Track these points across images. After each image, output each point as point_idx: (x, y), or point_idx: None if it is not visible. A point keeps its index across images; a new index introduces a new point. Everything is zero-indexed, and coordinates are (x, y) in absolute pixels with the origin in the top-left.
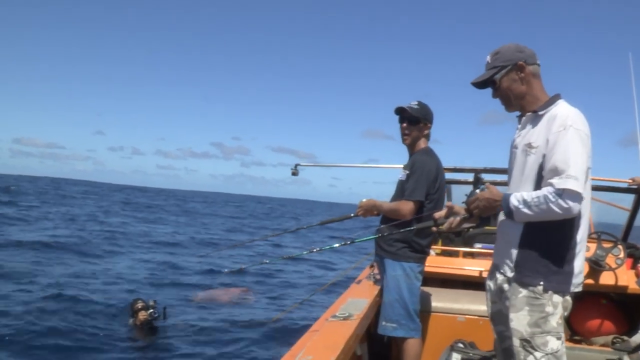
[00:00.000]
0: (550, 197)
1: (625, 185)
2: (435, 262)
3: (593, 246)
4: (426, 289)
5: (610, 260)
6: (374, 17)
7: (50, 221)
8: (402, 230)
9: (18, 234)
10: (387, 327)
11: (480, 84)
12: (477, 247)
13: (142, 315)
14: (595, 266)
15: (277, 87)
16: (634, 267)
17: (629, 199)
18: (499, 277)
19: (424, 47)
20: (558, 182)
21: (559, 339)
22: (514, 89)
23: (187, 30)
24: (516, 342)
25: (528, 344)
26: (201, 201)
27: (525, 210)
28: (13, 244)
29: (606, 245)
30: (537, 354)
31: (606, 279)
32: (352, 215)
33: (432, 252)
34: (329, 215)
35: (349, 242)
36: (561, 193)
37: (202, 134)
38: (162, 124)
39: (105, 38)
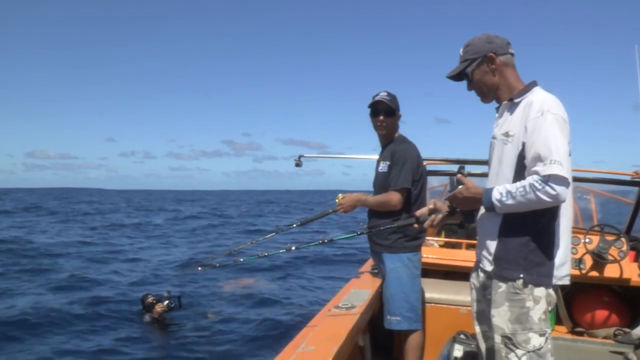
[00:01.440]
0: (537, 185)
1: (628, 178)
2: (438, 254)
3: (596, 239)
4: (428, 280)
5: (613, 253)
6: (382, 8)
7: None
8: (382, 228)
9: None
10: (392, 321)
11: (455, 77)
12: None
13: (160, 307)
14: (598, 259)
15: (282, 80)
16: (636, 259)
17: (633, 192)
18: (481, 273)
19: (432, 34)
20: (543, 169)
21: (542, 335)
22: (485, 80)
23: (190, 29)
24: (497, 339)
25: (510, 341)
26: (233, 201)
27: (510, 202)
28: None
29: (609, 237)
30: (519, 352)
31: (609, 271)
32: (331, 211)
33: (435, 244)
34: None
35: (327, 241)
36: (547, 180)
37: (212, 133)
38: (172, 126)
39: (109, 43)
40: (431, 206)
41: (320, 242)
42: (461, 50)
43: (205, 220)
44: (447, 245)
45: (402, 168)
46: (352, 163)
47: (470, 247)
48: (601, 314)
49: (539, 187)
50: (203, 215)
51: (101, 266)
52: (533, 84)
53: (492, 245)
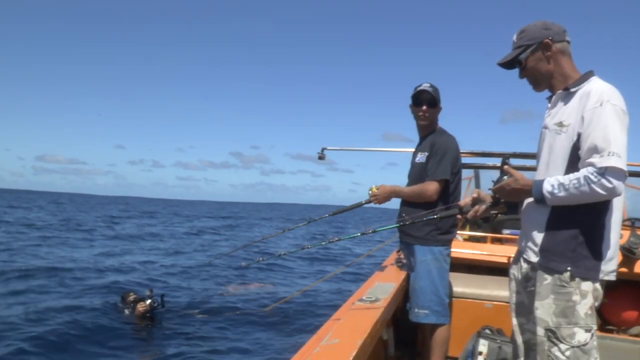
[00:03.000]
0: (592, 177)
1: None
2: (463, 248)
3: (626, 233)
4: (453, 274)
5: None
6: (389, 23)
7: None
8: (424, 219)
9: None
10: (420, 314)
11: (506, 64)
12: (506, 233)
13: (142, 306)
14: (629, 254)
15: (294, 95)
16: None
17: None
18: (524, 264)
19: (442, 50)
20: (599, 161)
21: (587, 331)
22: (540, 68)
23: (204, 37)
24: (540, 331)
25: (553, 334)
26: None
27: (562, 194)
28: None
29: None
30: (562, 346)
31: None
32: (364, 202)
33: (459, 238)
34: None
35: (370, 232)
36: (603, 172)
37: (221, 144)
38: (182, 136)
39: (122, 52)
40: (475, 195)
41: (362, 233)
42: (515, 37)
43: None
44: (471, 238)
45: (442, 159)
46: (359, 180)
47: (495, 240)
48: (633, 311)
49: (595, 179)
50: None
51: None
52: (590, 74)
53: (539, 236)
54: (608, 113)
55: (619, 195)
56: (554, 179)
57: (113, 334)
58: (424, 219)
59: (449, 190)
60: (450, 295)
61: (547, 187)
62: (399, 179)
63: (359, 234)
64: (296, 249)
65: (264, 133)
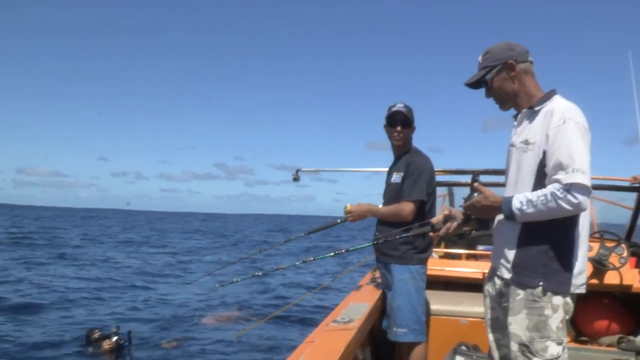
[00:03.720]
0: (558, 193)
1: (627, 184)
2: (438, 265)
3: (596, 245)
4: (429, 292)
5: (613, 260)
6: (373, 31)
7: None
8: (398, 237)
9: None
10: (398, 333)
11: (473, 85)
12: (480, 249)
13: (107, 344)
14: (599, 266)
15: (277, 105)
16: (637, 265)
17: (632, 198)
18: (497, 281)
19: (422, 58)
20: (565, 177)
21: (559, 344)
22: (505, 87)
23: (185, 46)
24: (514, 346)
25: (527, 349)
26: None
27: (531, 211)
28: None
29: (609, 244)
30: None
31: (610, 278)
32: (339, 221)
33: (434, 255)
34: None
35: (344, 251)
36: (569, 188)
37: (204, 156)
38: (164, 148)
39: (104, 61)
40: (446, 212)
41: (335, 253)
42: (480, 58)
43: None
44: (447, 256)
45: (418, 179)
46: (344, 190)
47: (470, 257)
48: (604, 321)
49: (561, 195)
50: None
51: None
52: (553, 92)
53: (511, 253)
54: (571, 130)
55: (584, 210)
56: (522, 196)
57: None
58: (397, 237)
59: (424, 211)
60: (427, 313)
61: (515, 204)
62: (382, 189)
63: (331, 254)
64: (271, 269)
65: (247, 144)
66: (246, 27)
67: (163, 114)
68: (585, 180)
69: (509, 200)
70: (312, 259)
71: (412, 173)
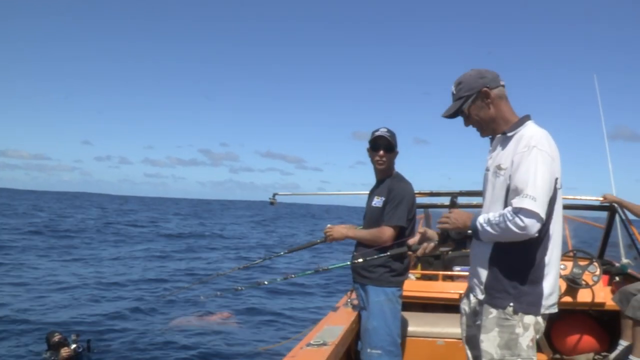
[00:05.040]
0: (508, 215)
1: (597, 203)
2: (415, 287)
3: (569, 264)
4: (405, 313)
5: (587, 278)
6: (361, 19)
7: None
8: (376, 257)
9: None
10: (373, 355)
11: (451, 116)
12: (457, 270)
13: (66, 351)
14: (572, 284)
15: (263, 92)
16: (610, 283)
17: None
18: (472, 299)
19: (414, 49)
20: (516, 201)
21: None
22: (482, 115)
23: (172, 32)
24: None
25: None
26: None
27: (488, 229)
28: None
29: (582, 262)
30: None
31: (584, 296)
32: (319, 241)
33: (411, 277)
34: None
35: (322, 270)
36: (518, 212)
37: (190, 141)
38: (150, 132)
39: (91, 45)
40: (421, 230)
41: (316, 270)
42: (453, 88)
43: None
44: (423, 277)
45: (399, 205)
46: (328, 179)
47: (446, 278)
48: (579, 339)
49: (510, 217)
50: None
51: None
52: (526, 118)
53: (483, 274)
54: (532, 157)
55: (531, 235)
56: (485, 215)
57: None
58: (375, 257)
59: (404, 236)
60: (404, 334)
61: (479, 221)
62: (368, 177)
63: (312, 272)
64: (251, 284)
65: (233, 130)
66: (234, 13)
67: (149, 100)
68: (534, 206)
69: (475, 218)
70: (293, 275)
71: (393, 199)
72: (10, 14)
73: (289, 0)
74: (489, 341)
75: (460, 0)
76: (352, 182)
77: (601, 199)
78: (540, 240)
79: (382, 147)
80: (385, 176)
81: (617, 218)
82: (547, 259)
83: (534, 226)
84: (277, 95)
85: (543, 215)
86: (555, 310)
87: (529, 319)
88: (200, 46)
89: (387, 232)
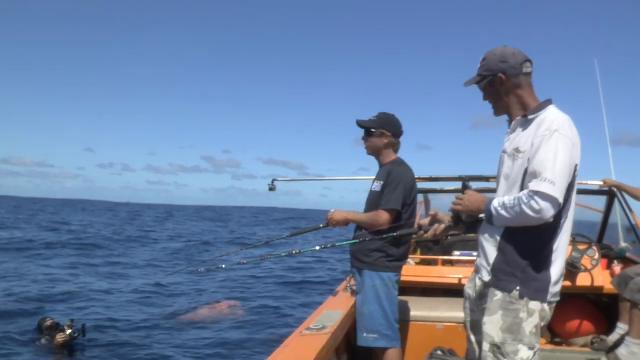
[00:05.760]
0: (524, 198)
1: (597, 188)
2: (415, 272)
3: (569, 248)
4: (404, 298)
5: (586, 262)
6: (364, 25)
7: None
8: (384, 236)
9: None
10: (369, 339)
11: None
12: (456, 255)
13: (61, 337)
14: (572, 268)
15: (266, 100)
16: (608, 267)
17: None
18: (478, 282)
19: (415, 54)
20: (534, 185)
21: (531, 349)
22: (495, 99)
23: (174, 38)
24: (486, 346)
25: (498, 350)
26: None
27: (503, 213)
28: None
29: (581, 247)
30: None
31: (583, 280)
32: (322, 225)
33: (411, 262)
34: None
35: (329, 246)
36: (534, 195)
37: (192, 148)
38: (152, 139)
39: (93, 53)
40: (432, 213)
41: (321, 247)
42: (480, 62)
43: None
44: (423, 262)
45: (396, 190)
46: (330, 185)
47: (446, 263)
48: (578, 323)
49: (525, 200)
50: None
51: None
52: (548, 102)
53: (492, 256)
54: (554, 141)
55: (547, 219)
56: (501, 199)
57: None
58: (384, 236)
59: (401, 220)
60: (404, 319)
61: (494, 204)
62: (370, 183)
63: (318, 248)
64: (256, 258)
65: (236, 137)
66: (236, 20)
67: (152, 107)
68: (552, 190)
69: (490, 201)
70: (298, 251)
71: (391, 183)
72: (10, 19)
73: (291, 6)
74: (492, 324)
75: (460, 1)
76: (354, 189)
77: (601, 183)
78: (553, 226)
79: (364, 132)
80: (385, 161)
81: (616, 202)
82: (556, 245)
83: (549, 210)
84: (279, 101)
85: (561, 200)
86: (558, 298)
87: (535, 305)
88: (201, 53)
89: (383, 216)
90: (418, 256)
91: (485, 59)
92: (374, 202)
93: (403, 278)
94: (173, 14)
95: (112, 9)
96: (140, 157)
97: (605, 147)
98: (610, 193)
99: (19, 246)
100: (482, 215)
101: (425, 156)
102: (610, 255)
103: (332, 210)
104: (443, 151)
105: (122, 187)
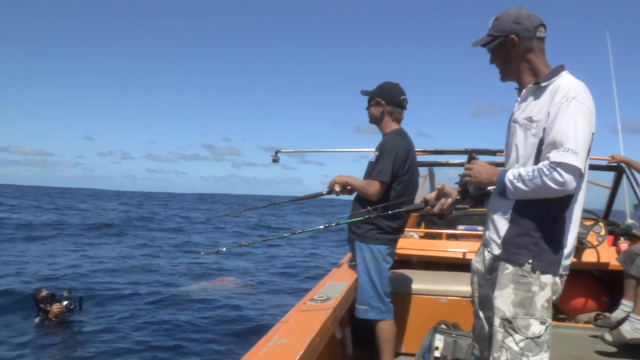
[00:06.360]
0: (545, 170)
1: (605, 163)
2: (419, 245)
3: None
4: (408, 271)
5: (591, 238)
6: (364, 15)
7: None
8: (390, 212)
9: None
10: (360, 310)
11: (479, 45)
12: (460, 229)
13: (57, 307)
14: (577, 244)
15: (266, 87)
16: (614, 243)
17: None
18: (487, 255)
19: (416, 43)
20: (555, 156)
21: (542, 323)
22: (505, 62)
23: (175, 28)
24: (497, 321)
25: (509, 324)
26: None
27: (520, 185)
28: None
29: (587, 223)
30: (517, 337)
31: (588, 256)
32: (324, 192)
33: (415, 235)
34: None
35: (334, 224)
36: (556, 166)
37: (192, 136)
38: (152, 127)
39: (93, 42)
40: (439, 186)
41: (326, 226)
42: (491, 21)
43: None
44: (427, 236)
45: (384, 160)
46: (331, 173)
47: (450, 237)
48: (582, 299)
49: (547, 172)
50: None
51: None
52: (561, 68)
53: (503, 229)
54: (572, 109)
55: (570, 191)
56: (516, 170)
57: (22, 335)
58: (390, 212)
59: (390, 194)
60: (405, 291)
61: (509, 176)
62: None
63: (322, 227)
64: (258, 239)
65: (236, 125)
66: (238, 9)
67: (152, 95)
68: (575, 161)
69: (503, 172)
70: (301, 230)
71: (383, 153)
72: (10, 13)
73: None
74: (503, 298)
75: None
76: (355, 176)
77: (609, 158)
78: (566, 198)
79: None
80: (386, 131)
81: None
82: (570, 218)
83: (573, 182)
84: (278, 89)
85: (583, 170)
86: (567, 272)
87: (547, 278)
88: (202, 42)
89: (372, 187)
90: (422, 230)
91: (497, 18)
92: (369, 172)
93: (407, 251)
94: (173, 7)
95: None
96: (140, 145)
97: (608, 135)
98: (618, 169)
99: (24, 230)
100: (491, 188)
101: (426, 143)
102: (616, 231)
103: (336, 177)
104: (444, 139)
105: (122, 175)
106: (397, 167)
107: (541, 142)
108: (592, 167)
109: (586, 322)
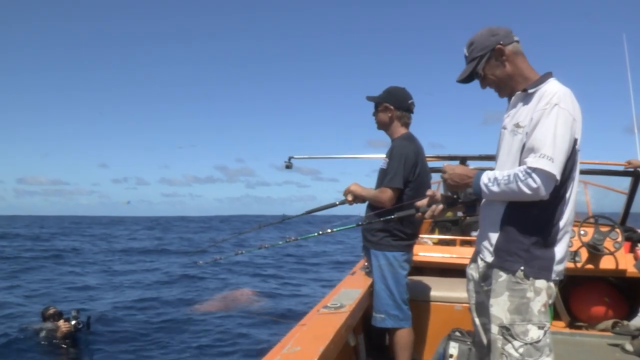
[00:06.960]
0: (520, 175)
1: (621, 169)
2: (433, 251)
3: (590, 230)
4: (423, 278)
5: (608, 244)
6: (373, 29)
7: None
8: (382, 219)
9: None
10: (377, 318)
11: (466, 79)
12: (474, 235)
13: (65, 326)
14: (594, 251)
15: (277, 106)
16: (632, 250)
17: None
18: (481, 263)
19: (424, 51)
20: (531, 161)
21: (540, 328)
22: (499, 74)
23: (183, 51)
24: (494, 329)
25: (507, 331)
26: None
27: (494, 188)
28: None
29: (604, 229)
30: (516, 343)
31: (605, 263)
32: (337, 202)
33: (429, 242)
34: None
35: (328, 231)
36: (531, 172)
37: (205, 158)
38: (165, 152)
39: (102, 67)
40: (430, 193)
41: (319, 233)
42: (465, 50)
43: None
44: (441, 242)
45: (397, 167)
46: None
47: (464, 243)
48: (599, 306)
49: (522, 177)
50: None
51: None
52: (548, 75)
53: (494, 236)
54: (553, 116)
55: (543, 197)
56: (492, 173)
57: (29, 352)
58: (382, 219)
59: (403, 199)
60: (420, 298)
61: (484, 179)
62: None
63: (316, 234)
64: (253, 248)
65: (248, 145)
66: (246, 27)
67: (163, 117)
68: (551, 167)
69: (479, 174)
70: (295, 238)
71: (392, 159)
72: (23, 44)
73: (302, 12)
74: (499, 305)
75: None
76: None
77: (625, 164)
78: (556, 203)
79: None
80: (394, 136)
81: None
82: (561, 223)
83: (546, 188)
84: (289, 107)
85: (559, 177)
86: (562, 277)
87: (541, 283)
88: (212, 64)
89: (385, 194)
90: (436, 236)
91: (472, 42)
92: (380, 180)
93: (421, 258)
94: (182, 23)
95: (122, 23)
96: (154, 170)
97: (619, 135)
98: (635, 174)
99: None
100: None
101: (439, 153)
102: (633, 238)
103: (350, 186)
104: (456, 148)
105: (137, 201)
106: (407, 172)
107: (524, 147)
108: (609, 173)
109: (603, 330)
